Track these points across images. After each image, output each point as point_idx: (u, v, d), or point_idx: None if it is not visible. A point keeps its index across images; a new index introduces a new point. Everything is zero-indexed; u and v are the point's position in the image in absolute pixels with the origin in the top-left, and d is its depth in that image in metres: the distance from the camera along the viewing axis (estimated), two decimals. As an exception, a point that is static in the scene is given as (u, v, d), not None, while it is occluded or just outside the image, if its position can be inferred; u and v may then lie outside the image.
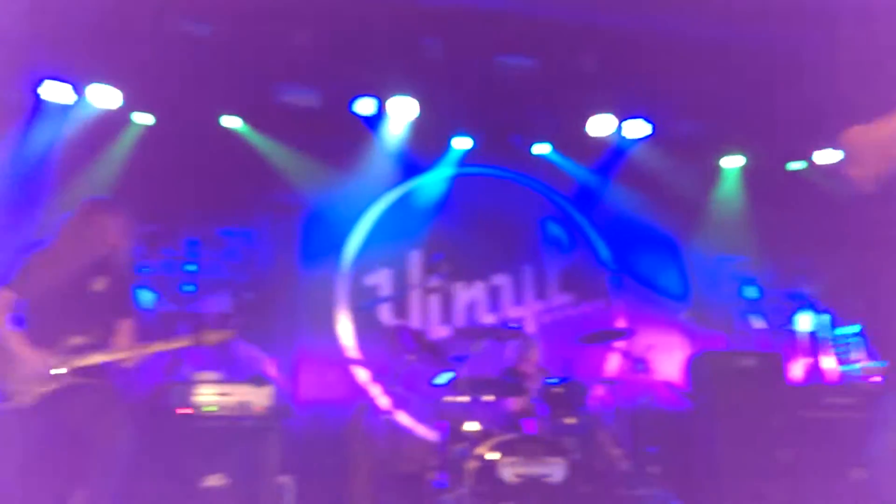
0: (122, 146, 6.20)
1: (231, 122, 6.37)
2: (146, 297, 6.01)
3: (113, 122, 6.11)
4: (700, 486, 4.96)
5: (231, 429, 4.03)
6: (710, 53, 5.81)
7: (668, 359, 6.23)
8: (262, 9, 5.25)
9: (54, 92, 5.72)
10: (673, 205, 7.23)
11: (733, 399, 4.91)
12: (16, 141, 5.67)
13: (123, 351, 3.31)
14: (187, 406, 4.51)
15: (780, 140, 7.04)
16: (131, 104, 6.08)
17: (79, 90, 5.81)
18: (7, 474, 2.99)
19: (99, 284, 3.37)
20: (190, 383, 4.31)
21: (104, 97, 5.89)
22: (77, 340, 3.22)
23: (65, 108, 5.83)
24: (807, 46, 5.44)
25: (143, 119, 6.23)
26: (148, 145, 6.19)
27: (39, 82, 5.66)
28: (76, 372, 3.21)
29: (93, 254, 3.39)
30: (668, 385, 5.53)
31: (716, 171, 7.47)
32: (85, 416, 3.21)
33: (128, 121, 6.19)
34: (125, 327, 3.46)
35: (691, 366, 5.25)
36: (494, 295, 6.95)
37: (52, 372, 3.13)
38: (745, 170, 7.44)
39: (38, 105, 5.75)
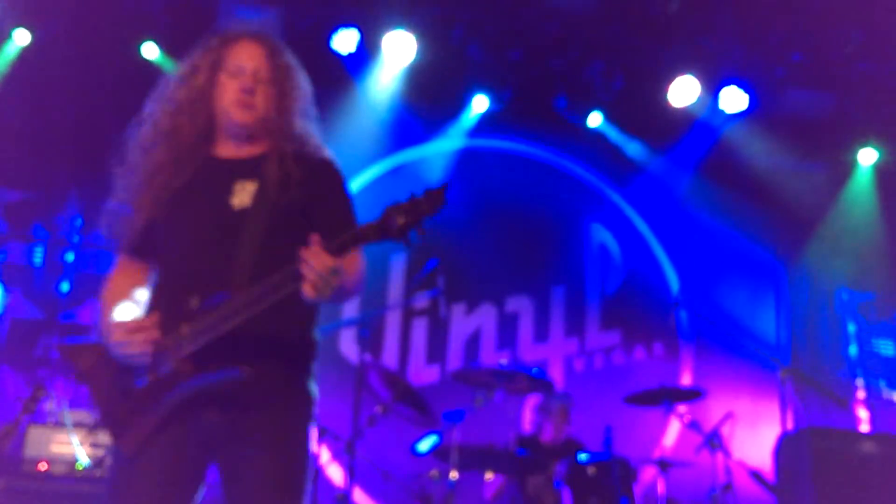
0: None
1: (151, 51, 6.30)
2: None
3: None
4: None
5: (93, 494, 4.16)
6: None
7: (753, 435, 6.16)
8: None
9: None
10: (776, 213, 7.12)
11: (841, 498, 4.76)
12: None
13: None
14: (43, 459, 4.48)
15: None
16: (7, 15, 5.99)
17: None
18: None
19: (241, 196, 2.49)
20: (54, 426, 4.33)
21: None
22: (195, 302, 2.39)
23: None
24: None
25: (25, 38, 6.13)
26: (30, 74, 6.11)
27: None
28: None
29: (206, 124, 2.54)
30: (750, 472, 5.47)
31: (843, 167, 7.30)
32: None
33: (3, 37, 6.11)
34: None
35: (783, 446, 5.17)
36: (508, 326, 6.84)
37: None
38: (882, 168, 7.24)
39: None
